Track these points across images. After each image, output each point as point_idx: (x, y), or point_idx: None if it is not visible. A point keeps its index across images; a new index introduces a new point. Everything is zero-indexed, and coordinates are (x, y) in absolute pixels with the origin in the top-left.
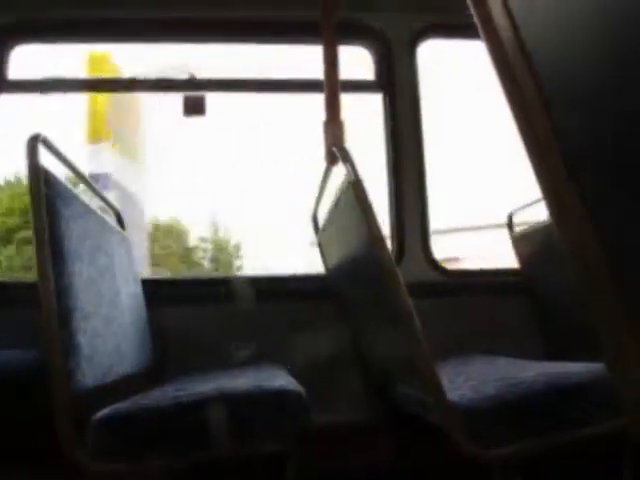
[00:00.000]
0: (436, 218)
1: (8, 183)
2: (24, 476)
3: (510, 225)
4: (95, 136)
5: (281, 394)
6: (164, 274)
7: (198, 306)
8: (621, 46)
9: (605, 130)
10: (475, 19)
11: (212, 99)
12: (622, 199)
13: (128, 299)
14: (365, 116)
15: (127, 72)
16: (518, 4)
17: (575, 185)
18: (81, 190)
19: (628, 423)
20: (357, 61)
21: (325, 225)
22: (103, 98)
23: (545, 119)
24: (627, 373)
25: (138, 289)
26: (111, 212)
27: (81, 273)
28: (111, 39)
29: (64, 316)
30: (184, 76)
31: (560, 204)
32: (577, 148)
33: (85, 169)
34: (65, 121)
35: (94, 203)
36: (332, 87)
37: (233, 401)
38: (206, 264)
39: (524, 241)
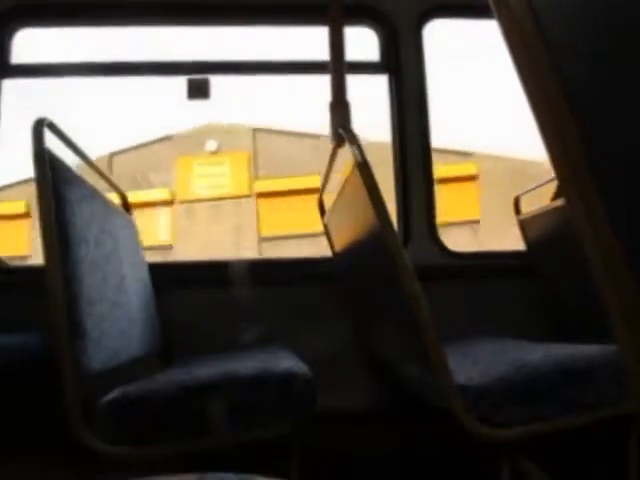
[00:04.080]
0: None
1: None
2: (32, 459)
3: (517, 208)
4: None
5: (288, 377)
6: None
7: (205, 290)
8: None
9: (622, 111)
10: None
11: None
12: (636, 180)
13: (134, 283)
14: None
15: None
16: None
17: (590, 167)
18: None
19: (636, 405)
20: (363, 42)
21: (332, 208)
22: None
23: (561, 95)
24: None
25: (145, 273)
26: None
27: (87, 257)
28: (113, 23)
29: (71, 300)
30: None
31: (574, 186)
32: (592, 125)
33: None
34: None
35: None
36: (338, 69)
37: (240, 384)
38: None
39: (531, 224)
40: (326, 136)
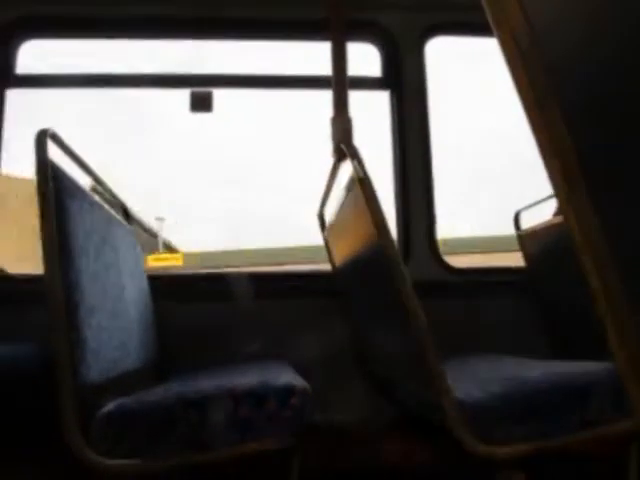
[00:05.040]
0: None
1: None
2: (28, 471)
3: (517, 224)
4: None
5: (286, 390)
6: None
7: (204, 302)
8: (632, 43)
9: (618, 128)
10: (488, 16)
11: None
12: (632, 196)
13: (134, 294)
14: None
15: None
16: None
17: (586, 182)
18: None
19: (635, 423)
20: (365, 58)
21: (332, 222)
22: None
23: (559, 114)
24: (636, 372)
25: (144, 284)
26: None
27: (87, 268)
28: (119, 35)
29: (70, 310)
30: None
31: (571, 201)
32: (590, 145)
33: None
34: None
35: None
36: (340, 84)
37: (238, 398)
38: None
39: (531, 240)
40: None
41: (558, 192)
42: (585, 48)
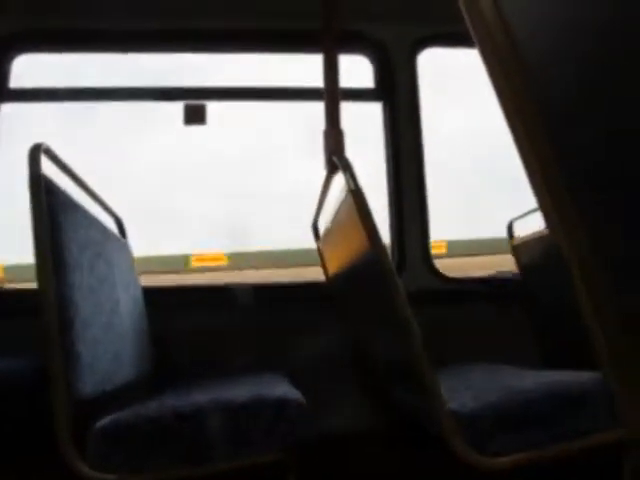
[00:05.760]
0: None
1: None
2: None
3: (510, 233)
4: None
5: (281, 403)
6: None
7: (198, 313)
8: (618, 52)
9: (603, 140)
10: (468, 26)
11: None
12: (618, 207)
13: (128, 307)
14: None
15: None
16: (511, 9)
17: (571, 194)
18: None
19: (627, 432)
20: (358, 69)
21: (326, 233)
22: None
23: (541, 128)
24: (625, 382)
25: (138, 297)
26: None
27: (81, 282)
28: (113, 49)
29: (65, 324)
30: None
31: (556, 213)
32: (575, 158)
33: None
34: None
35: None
36: (332, 95)
37: (232, 411)
38: None
39: (524, 250)
40: None
41: (542, 205)
42: (564, 54)
